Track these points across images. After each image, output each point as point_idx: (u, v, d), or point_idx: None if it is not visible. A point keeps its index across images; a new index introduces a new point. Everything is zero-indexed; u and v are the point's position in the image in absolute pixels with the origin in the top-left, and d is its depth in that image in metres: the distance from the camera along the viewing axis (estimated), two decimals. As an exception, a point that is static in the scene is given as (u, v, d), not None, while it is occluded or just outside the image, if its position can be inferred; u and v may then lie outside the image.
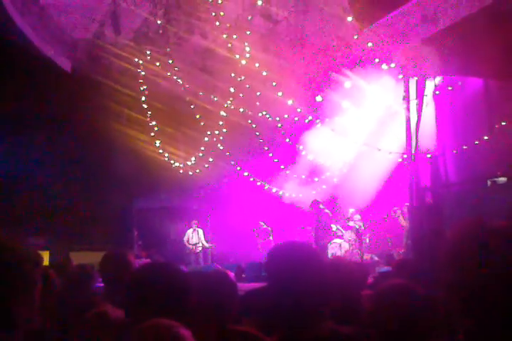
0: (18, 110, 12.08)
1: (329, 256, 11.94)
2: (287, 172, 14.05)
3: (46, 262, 9.82)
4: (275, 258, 2.31)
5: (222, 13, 12.02)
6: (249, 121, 13.37)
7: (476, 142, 8.91)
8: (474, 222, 1.61)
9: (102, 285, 3.58)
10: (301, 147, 13.41)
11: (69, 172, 13.33)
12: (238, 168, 13.93)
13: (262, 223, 14.31)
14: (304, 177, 14.12)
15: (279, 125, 13.14)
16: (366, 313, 2.47)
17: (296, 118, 12.54)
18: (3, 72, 11.02)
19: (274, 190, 14.29)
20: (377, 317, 2.23)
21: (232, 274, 3.24)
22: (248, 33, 12.00)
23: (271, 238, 14.13)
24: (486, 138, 8.91)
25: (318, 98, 12.12)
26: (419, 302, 2.23)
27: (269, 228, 14.25)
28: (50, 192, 13.29)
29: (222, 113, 13.36)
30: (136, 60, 13.56)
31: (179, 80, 13.40)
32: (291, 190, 14.19)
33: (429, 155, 9.59)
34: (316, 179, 13.85)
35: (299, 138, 13.43)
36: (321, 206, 12.42)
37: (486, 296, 1.50)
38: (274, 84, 11.80)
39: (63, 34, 12.63)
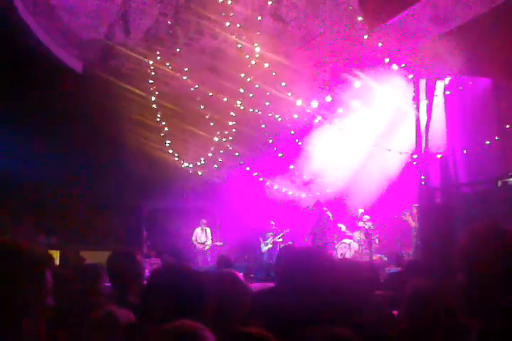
0: (29, 111, 12.13)
1: (338, 256, 11.95)
2: (296, 172, 14.04)
3: (57, 261, 9.90)
4: (285, 259, 2.30)
5: (231, 14, 12.01)
6: (260, 122, 13.38)
7: (487, 142, 8.85)
8: (488, 225, 1.61)
9: (108, 284, 3.57)
10: (310, 147, 13.40)
11: (79, 173, 13.38)
12: (247, 168, 13.93)
13: (273, 223, 14.32)
14: (312, 177, 14.10)
15: (289, 125, 13.14)
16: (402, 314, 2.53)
17: (305, 119, 12.53)
18: (14, 72, 11.08)
19: (283, 190, 14.28)
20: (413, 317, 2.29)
21: (240, 275, 3.24)
22: (258, 33, 12.00)
23: (280, 240, 14.12)
24: (496, 138, 8.85)
25: (328, 98, 12.10)
26: (449, 303, 2.28)
27: (278, 229, 14.27)
28: (61, 193, 13.35)
29: (232, 113, 13.38)
30: (146, 60, 13.58)
31: (189, 80, 13.42)
32: (299, 190, 14.17)
33: (439, 156, 9.53)
34: (324, 180, 13.82)
35: (308, 139, 13.41)
36: (324, 208, 12.40)
37: (499, 297, 1.49)
38: (283, 84, 11.79)
39: (74, 35, 12.67)
